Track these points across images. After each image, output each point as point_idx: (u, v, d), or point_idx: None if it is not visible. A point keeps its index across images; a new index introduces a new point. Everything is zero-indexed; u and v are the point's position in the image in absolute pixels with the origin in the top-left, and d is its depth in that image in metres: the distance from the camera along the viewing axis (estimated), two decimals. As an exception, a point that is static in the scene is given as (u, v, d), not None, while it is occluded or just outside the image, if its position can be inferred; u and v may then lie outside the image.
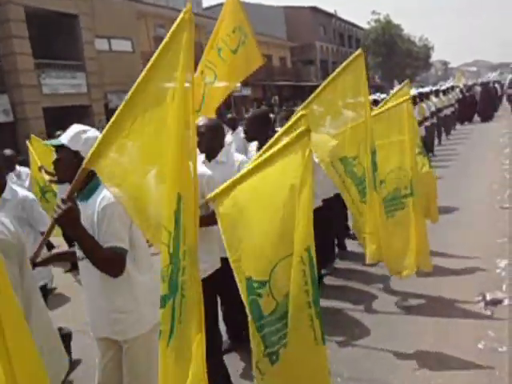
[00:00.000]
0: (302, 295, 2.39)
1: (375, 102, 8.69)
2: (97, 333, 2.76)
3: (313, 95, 4.09)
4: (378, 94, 12.33)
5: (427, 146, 12.93)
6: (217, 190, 2.68)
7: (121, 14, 23.22)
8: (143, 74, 2.23)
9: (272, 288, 2.46)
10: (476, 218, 7.38)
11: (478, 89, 23.40)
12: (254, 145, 4.71)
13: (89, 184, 2.56)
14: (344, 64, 4.08)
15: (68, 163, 2.57)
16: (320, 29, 47.89)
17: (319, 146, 4.04)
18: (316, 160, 4.12)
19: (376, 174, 3.82)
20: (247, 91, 31.88)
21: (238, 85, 26.10)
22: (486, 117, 21.99)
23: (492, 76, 29.88)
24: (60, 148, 2.60)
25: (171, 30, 2.14)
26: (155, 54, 2.21)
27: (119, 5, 24.06)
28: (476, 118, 22.69)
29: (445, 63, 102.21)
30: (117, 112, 2.30)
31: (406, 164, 4.45)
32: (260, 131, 4.37)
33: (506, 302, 4.54)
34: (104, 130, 2.34)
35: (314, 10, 46.18)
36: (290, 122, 2.78)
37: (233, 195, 2.61)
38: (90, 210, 2.54)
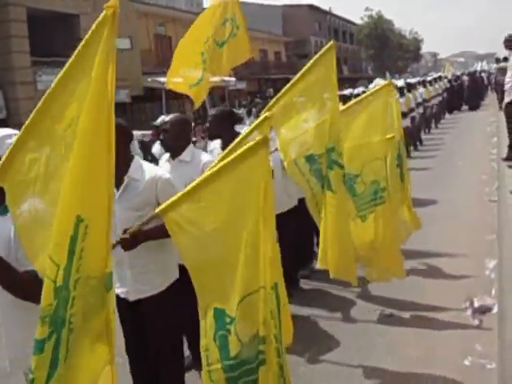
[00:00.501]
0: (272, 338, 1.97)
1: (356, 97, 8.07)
2: None
3: (282, 91, 3.44)
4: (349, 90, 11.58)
5: (413, 137, 12.22)
6: (164, 205, 2.13)
7: (121, 13, 22.53)
8: (60, 73, 1.84)
9: (237, 326, 2.02)
10: (463, 212, 6.71)
11: (466, 78, 22.59)
12: (216, 143, 4.10)
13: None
14: (315, 57, 3.43)
15: None
16: (315, 25, 46.83)
17: (285, 143, 3.39)
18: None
19: (332, 172, 3.16)
20: (242, 85, 31.01)
21: (233, 79, 24.97)
22: (474, 105, 21.20)
23: (479, 66, 28.87)
24: None
25: (93, 26, 1.82)
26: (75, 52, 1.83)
27: (119, 4, 23.37)
28: (464, 106, 21.93)
29: (434, 55, 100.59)
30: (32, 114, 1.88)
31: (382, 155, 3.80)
32: (223, 129, 3.88)
33: (495, 309, 3.89)
34: (16, 137, 1.90)
35: (311, 7, 45.15)
36: (254, 124, 2.44)
37: (186, 209, 2.08)
38: (8, 225, 2.03)
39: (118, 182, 2.56)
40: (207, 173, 2.14)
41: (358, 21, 50.70)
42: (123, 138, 2.53)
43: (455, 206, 7.01)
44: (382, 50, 47.59)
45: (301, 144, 3.24)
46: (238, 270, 2.00)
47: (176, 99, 22.87)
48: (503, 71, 8.12)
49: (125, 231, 2.40)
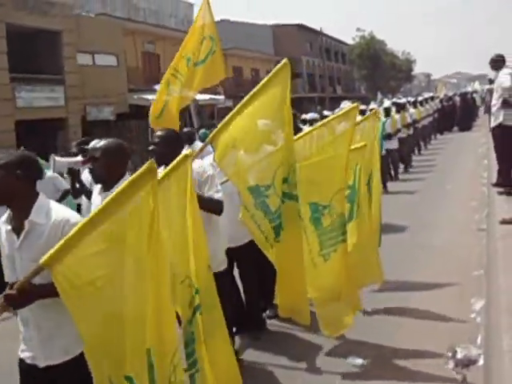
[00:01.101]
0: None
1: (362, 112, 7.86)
2: None
3: (230, 115, 3.01)
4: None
5: (403, 159, 11.88)
6: (50, 252, 1.77)
7: (106, 31, 22.42)
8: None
9: None
10: (450, 241, 6.29)
11: (458, 99, 22.45)
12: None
13: None
14: (269, 76, 3.03)
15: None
16: (306, 45, 46.95)
17: (240, 170, 2.96)
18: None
19: (283, 205, 2.76)
20: (231, 103, 30.87)
21: (222, 97, 24.85)
22: (465, 127, 20.99)
23: (471, 87, 28.85)
24: None
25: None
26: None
27: (105, 22, 23.29)
28: (455, 127, 21.73)
29: (428, 75, 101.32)
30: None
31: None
32: (169, 154, 3.25)
33: (481, 361, 3.43)
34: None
35: (301, 27, 45.24)
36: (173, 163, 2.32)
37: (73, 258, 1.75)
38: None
39: (19, 228, 2.17)
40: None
41: (350, 41, 50.94)
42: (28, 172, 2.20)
43: (442, 235, 6.60)
44: (374, 70, 47.72)
45: (246, 174, 2.81)
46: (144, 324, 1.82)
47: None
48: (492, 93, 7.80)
49: (11, 286, 1.96)
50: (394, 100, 12.95)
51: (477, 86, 28.15)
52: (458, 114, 21.23)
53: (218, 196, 3.20)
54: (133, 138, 20.19)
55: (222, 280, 3.00)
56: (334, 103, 38.82)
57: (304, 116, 11.71)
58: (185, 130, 8.52)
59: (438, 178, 10.94)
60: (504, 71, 6.63)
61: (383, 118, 10.53)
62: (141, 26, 24.83)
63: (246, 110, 2.94)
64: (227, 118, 2.98)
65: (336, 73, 54.21)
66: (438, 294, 4.64)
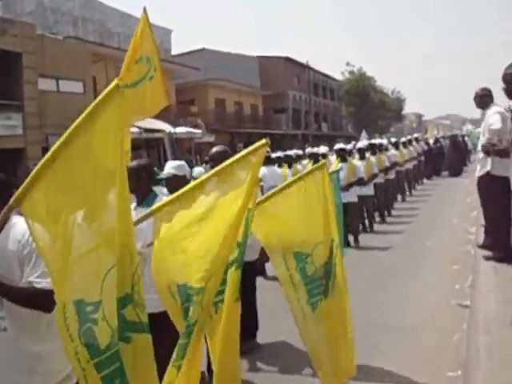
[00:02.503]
0: None
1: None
2: None
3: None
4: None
5: (380, 207, 10.77)
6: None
7: (73, 55, 21.48)
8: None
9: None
10: (422, 323, 5.06)
11: (447, 142, 21.70)
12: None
13: None
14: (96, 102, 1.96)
15: None
16: (294, 78, 46.70)
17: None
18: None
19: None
20: (211, 138, 29.88)
21: (199, 131, 23.84)
22: (455, 172, 20.11)
23: (464, 129, 28.24)
24: None
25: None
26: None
27: (73, 45, 22.40)
28: (444, 172, 20.88)
29: (419, 116, 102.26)
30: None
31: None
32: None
33: None
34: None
35: (288, 60, 45.03)
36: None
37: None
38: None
39: None
40: None
41: (339, 76, 50.88)
42: None
43: (413, 311, 5.39)
44: (362, 107, 47.53)
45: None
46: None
47: (132, 149, 21.44)
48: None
49: None
50: (372, 141, 11.92)
51: (469, 128, 27.58)
52: (447, 157, 20.38)
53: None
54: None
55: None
56: (319, 141, 38.19)
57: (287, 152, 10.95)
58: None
59: (418, 231, 9.81)
60: (492, 109, 5.58)
61: (357, 161, 9.47)
62: (113, 51, 23.84)
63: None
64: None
65: (323, 109, 54.01)
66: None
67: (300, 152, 11.49)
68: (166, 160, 22.79)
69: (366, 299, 5.67)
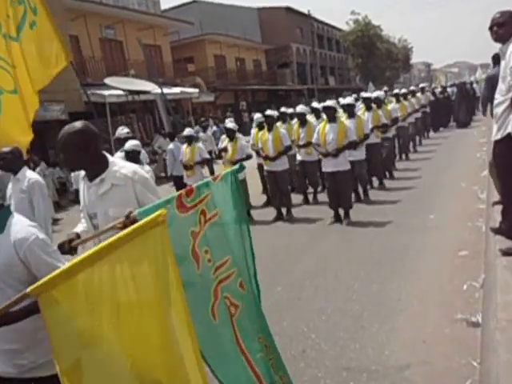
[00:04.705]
0: None
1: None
2: None
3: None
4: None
5: (365, 175, 8.92)
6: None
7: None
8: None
9: None
10: (412, 362, 3.47)
11: (454, 90, 19.48)
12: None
13: None
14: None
15: None
16: (296, 30, 43.59)
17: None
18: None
19: None
20: (209, 97, 27.78)
21: (195, 90, 21.44)
22: (463, 123, 18.03)
23: (473, 76, 25.76)
24: None
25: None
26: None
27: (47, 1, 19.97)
28: (452, 123, 18.81)
29: (428, 65, 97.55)
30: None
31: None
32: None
33: None
34: None
35: (289, 10, 41.74)
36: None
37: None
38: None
39: None
40: None
41: (344, 26, 47.50)
42: None
43: (401, 348, 3.77)
44: (368, 58, 44.57)
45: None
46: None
47: (123, 114, 19.52)
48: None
49: None
50: (363, 94, 9.97)
51: (478, 74, 25.10)
52: (454, 107, 18.25)
53: None
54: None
55: None
56: (326, 95, 35.78)
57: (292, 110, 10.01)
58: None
59: (420, 200, 8.07)
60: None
61: (346, 120, 7.65)
62: (97, 7, 21.31)
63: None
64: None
65: (329, 62, 51.01)
66: None
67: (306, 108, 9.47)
68: (161, 123, 20.94)
69: (345, 292, 4.09)
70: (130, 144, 5.72)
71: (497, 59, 9.15)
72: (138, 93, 17.93)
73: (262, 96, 37.49)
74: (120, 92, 17.55)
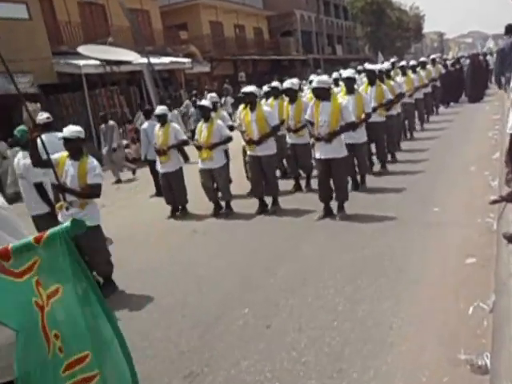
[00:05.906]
0: None
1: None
2: None
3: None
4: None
5: (365, 158, 8.13)
6: None
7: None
8: None
9: None
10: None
11: (466, 62, 18.38)
12: None
13: None
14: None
15: None
16: (301, -5, 41.94)
17: None
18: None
19: None
20: (205, 67, 26.59)
21: (187, 60, 20.14)
22: (475, 97, 17.02)
23: (485, 47, 24.52)
24: None
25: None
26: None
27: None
28: (464, 97, 17.79)
29: (440, 35, 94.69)
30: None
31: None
32: None
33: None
34: None
35: (293, -28, 40.06)
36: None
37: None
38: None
39: None
40: None
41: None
42: None
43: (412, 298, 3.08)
44: (378, 27, 42.92)
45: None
46: None
47: (104, 87, 17.93)
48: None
49: None
50: (367, 66, 9.08)
51: (491, 45, 23.88)
52: (466, 80, 17.20)
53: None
54: (69, 116, 16.05)
55: None
56: (333, 67, 34.45)
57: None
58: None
59: (423, 190, 7.27)
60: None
61: (343, 98, 6.82)
62: None
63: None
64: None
65: (336, 30, 49.26)
66: None
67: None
68: (148, 98, 19.54)
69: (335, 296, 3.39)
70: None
71: (509, 30, 8.22)
72: (118, 63, 16.71)
73: (264, 66, 36.12)
74: (98, 62, 16.45)
